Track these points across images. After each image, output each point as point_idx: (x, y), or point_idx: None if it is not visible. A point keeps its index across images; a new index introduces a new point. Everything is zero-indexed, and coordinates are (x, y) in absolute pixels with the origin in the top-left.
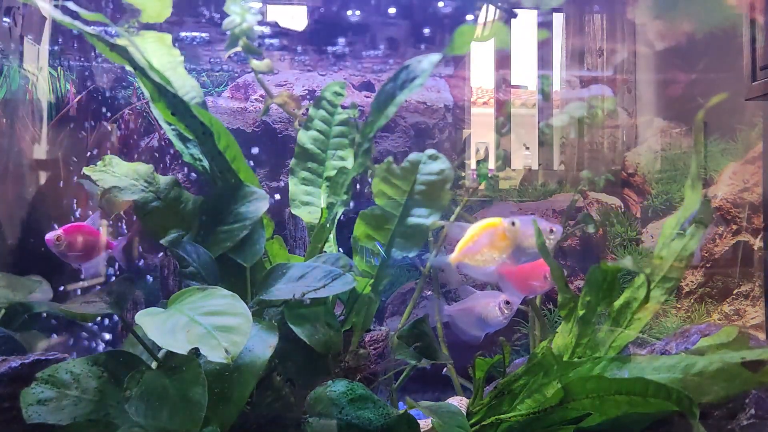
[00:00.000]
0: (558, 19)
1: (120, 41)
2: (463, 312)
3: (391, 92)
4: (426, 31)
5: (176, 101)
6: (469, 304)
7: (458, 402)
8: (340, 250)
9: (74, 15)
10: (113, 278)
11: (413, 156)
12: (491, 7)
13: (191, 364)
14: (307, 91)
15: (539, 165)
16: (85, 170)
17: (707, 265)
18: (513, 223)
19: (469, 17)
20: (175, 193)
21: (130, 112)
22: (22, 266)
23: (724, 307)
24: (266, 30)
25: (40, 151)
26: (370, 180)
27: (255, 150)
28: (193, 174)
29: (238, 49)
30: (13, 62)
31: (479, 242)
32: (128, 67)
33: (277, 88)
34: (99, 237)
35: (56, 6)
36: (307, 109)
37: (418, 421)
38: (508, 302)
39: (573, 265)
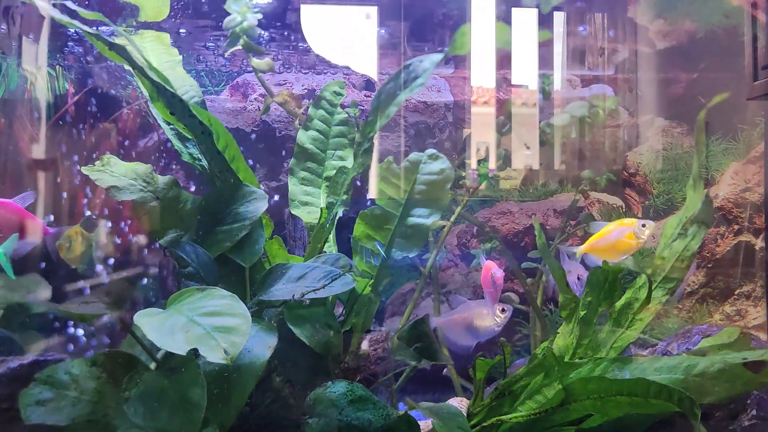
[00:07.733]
0: (559, 18)
1: (119, 40)
2: (453, 322)
3: (392, 92)
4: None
5: (175, 100)
6: (459, 314)
7: (458, 403)
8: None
9: (73, 14)
10: None
11: (413, 155)
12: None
13: (190, 364)
14: (306, 90)
15: (540, 165)
16: (84, 169)
17: (709, 266)
18: (644, 225)
19: None
20: (173, 192)
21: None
22: (21, 266)
23: (725, 308)
24: None
25: (39, 151)
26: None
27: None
28: None
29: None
30: (12, 61)
31: (608, 238)
32: (127, 67)
33: (276, 87)
34: (23, 216)
35: (55, 5)
36: (307, 108)
37: (419, 422)
38: (504, 309)
39: None
